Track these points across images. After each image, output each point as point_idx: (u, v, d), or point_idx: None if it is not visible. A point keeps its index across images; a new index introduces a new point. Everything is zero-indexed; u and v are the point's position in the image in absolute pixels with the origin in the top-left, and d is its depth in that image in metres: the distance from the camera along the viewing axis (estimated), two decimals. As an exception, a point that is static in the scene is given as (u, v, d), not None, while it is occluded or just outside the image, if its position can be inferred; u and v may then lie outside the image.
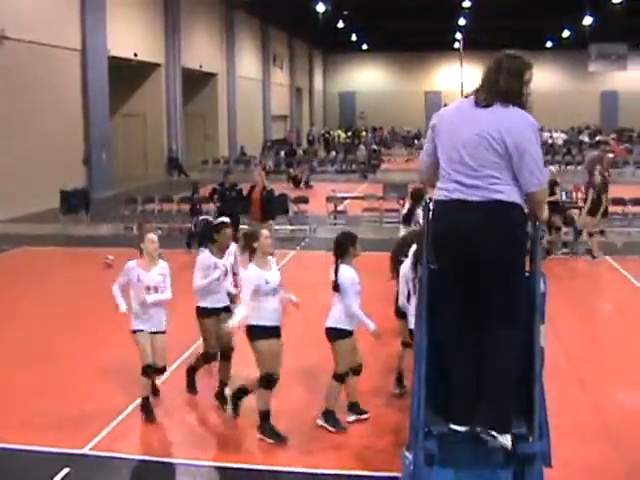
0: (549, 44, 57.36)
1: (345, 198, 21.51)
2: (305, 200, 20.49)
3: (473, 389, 4.51)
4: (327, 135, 51.75)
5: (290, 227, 18.66)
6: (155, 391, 7.94)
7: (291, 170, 31.13)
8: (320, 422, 7.19)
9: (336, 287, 7.09)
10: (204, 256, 7.80)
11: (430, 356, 4.60)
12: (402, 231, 10.27)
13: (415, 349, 4.77)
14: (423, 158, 4.69)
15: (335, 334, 7.09)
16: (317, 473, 6.40)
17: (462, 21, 47.44)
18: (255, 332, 6.87)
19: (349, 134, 52.34)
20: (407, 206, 11.19)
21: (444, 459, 4.53)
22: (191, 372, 8.15)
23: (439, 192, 4.46)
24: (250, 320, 6.88)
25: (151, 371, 7.49)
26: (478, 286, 4.37)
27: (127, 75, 30.88)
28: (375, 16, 46.86)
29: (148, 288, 7.34)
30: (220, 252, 7.87)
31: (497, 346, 4.38)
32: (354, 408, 7.42)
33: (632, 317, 11.42)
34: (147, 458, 6.65)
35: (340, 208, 20.36)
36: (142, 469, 6.49)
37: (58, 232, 19.11)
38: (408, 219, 10.71)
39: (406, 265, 7.36)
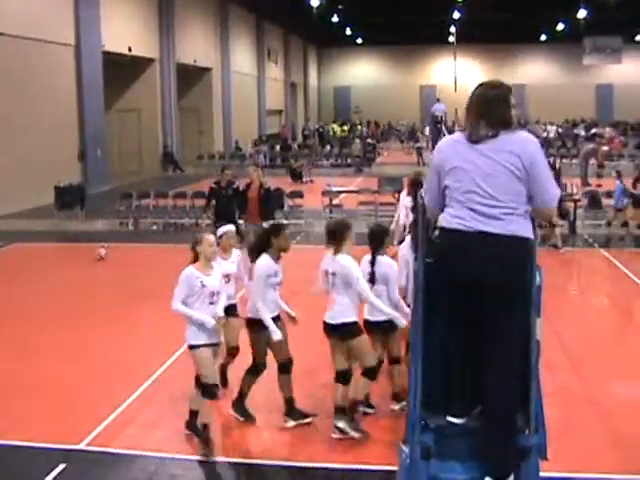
0: (543, 37, 57.45)
1: (340, 192, 21.49)
2: (300, 194, 20.47)
3: (471, 382, 4.54)
4: (321, 129, 51.75)
5: (285, 221, 18.62)
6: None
7: (292, 161, 31.07)
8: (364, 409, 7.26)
9: (373, 279, 7.04)
10: (266, 263, 6.97)
11: (427, 349, 4.61)
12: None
13: (411, 343, 4.77)
14: (429, 202, 4.63)
15: (387, 325, 7.00)
16: (312, 467, 6.41)
17: (456, 14, 47.45)
18: (356, 328, 6.80)
19: (344, 128, 52.32)
20: (407, 196, 11.31)
21: (440, 452, 4.54)
22: (241, 399, 7.33)
23: (450, 219, 4.40)
24: (349, 316, 6.78)
25: (216, 392, 6.84)
26: (482, 307, 4.41)
27: (121, 70, 30.83)
28: (369, 10, 46.84)
29: (212, 294, 6.68)
30: (277, 257, 7.07)
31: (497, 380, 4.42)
32: (398, 397, 7.41)
33: (627, 309, 11.46)
34: (144, 454, 6.65)
35: (335, 202, 20.34)
36: (139, 465, 6.48)
37: (53, 228, 19.07)
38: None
39: (405, 246, 7.38)
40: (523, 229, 4.33)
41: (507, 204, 4.29)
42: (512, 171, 4.28)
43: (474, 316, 4.44)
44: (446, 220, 4.43)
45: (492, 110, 4.36)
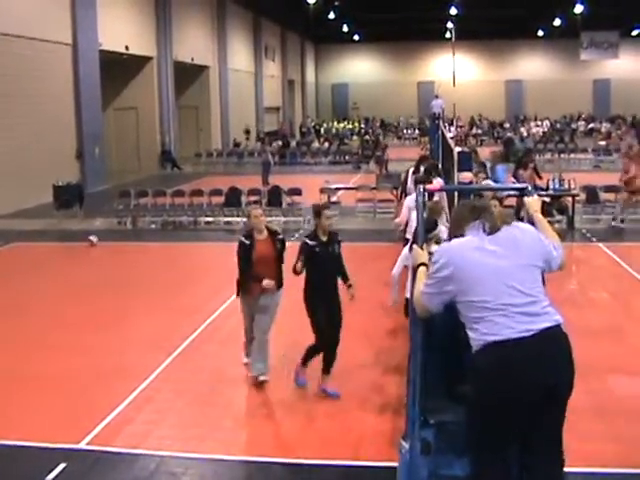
0: (540, 33, 57.44)
1: (339, 189, 21.50)
2: (298, 191, 20.45)
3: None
4: (318, 127, 51.87)
5: (283, 219, 18.63)
6: None
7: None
8: None
9: None
10: None
11: (434, 343, 4.63)
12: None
13: (410, 340, 4.79)
14: (429, 301, 4.41)
15: None
16: (307, 464, 6.41)
17: (454, 10, 47.44)
18: None
19: (349, 126, 52.70)
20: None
21: (440, 447, 4.55)
22: None
23: (489, 337, 4.16)
24: None
25: None
26: (543, 411, 4.31)
27: (119, 69, 30.87)
28: (366, 6, 46.83)
29: None
30: None
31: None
32: None
33: (626, 304, 11.47)
34: (144, 452, 6.65)
35: (334, 199, 20.34)
36: (139, 463, 6.48)
37: (52, 227, 19.07)
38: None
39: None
40: (558, 315, 4.28)
41: (538, 296, 4.26)
42: (532, 263, 4.32)
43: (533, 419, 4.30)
44: (481, 339, 4.19)
45: (488, 207, 4.51)
